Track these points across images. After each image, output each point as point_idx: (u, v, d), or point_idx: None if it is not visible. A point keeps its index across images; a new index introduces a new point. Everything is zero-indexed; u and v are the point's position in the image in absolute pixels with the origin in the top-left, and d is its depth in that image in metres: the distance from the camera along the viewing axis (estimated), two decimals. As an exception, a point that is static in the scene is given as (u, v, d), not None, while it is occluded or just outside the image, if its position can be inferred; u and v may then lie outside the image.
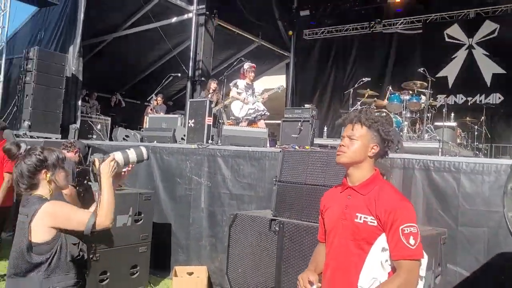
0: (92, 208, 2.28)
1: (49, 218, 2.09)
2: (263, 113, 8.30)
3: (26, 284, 2.05)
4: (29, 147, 2.34)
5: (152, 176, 6.14)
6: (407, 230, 1.97)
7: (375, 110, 8.47)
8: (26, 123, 8.02)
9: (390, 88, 8.84)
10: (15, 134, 7.89)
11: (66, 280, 2.09)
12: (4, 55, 8.38)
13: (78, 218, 2.13)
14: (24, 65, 8.48)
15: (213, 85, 9.23)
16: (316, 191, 3.36)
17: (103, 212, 2.16)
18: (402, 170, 4.50)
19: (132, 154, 2.36)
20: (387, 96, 8.71)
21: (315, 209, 3.12)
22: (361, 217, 2.07)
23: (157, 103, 10.91)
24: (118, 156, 2.31)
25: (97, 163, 2.23)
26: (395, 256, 2.00)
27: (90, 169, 2.30)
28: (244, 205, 5.47)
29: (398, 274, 1.99)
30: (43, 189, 2.22)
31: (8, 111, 8.69)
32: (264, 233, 3.60)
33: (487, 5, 11.58)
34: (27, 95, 8.30)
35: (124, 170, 2.37)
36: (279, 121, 8.24)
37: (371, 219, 2.04)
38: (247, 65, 8.30)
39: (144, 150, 2.39)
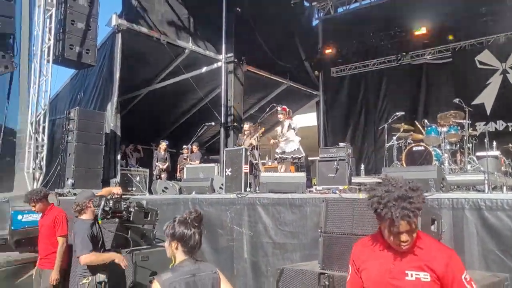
0: None
1: None
2: (289, 155, 8.06)
3: None
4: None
5: (193, 229, 6.13)
6: (467, 277, 2.05)
7: (413, 144, 8.31)
8: (69, 181, 8.29)
9: (426, 121, 8.66)
10: (58, 193, 8.18)
11: None
12: (47, 117, 8.81)
13: None
14: (66, 125, 8.89)
15: (245, 126, 9.37)
16: (364, 241, 3.24)
17: None
18: (451, 210, 4.32)
19: None
20: (424, 130, 8.54)
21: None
22: (412, 274, 2.05)
23: (193, 151, 11.10)
24: None
25: None
26: None
27: None
28: (288, 253, 5.37)
29: None
30: None
31: (52, 170, 9.03)
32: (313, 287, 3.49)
33: (517, 28, 11.37)
34: (69, 154, 8.65)
35: None
36: (313, 158, 8.24)
37: (423, 275, 2.03)
38: (279, 107, 8.37)
39: None
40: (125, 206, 4.60)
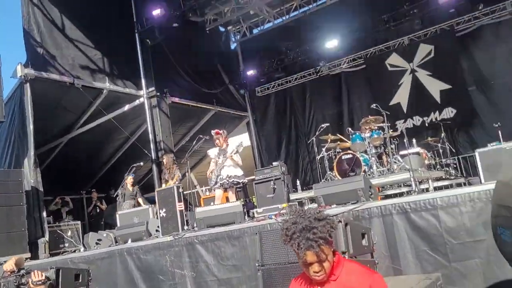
0: None
1: None
2: (227, 180, 7.42)
3: None
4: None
5: (133, 280, 5.81)
6: None
7: (342, 153, 8.57)
8: (-10, 251, 7.57)
9: (350, 129, 9.00)
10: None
11: None
12: (-45, 185, 8.03)
13: None
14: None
15: (165, 159, 9.22)
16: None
17: None
18: (381, 218, 4.45)
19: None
20: (349, 137, 8.86)
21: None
22: None
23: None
24: None
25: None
26: None
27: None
28: (234, 288, 5.23)
29: None
30: None
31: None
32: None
33: (417, 30, 12.27)
34: (-13, 221, 7.91)
35: None
36: (250, 178, 8.20)
37: None
38: (212, 133, 8.00)
39: None
40: (16, 284, 3.71)
